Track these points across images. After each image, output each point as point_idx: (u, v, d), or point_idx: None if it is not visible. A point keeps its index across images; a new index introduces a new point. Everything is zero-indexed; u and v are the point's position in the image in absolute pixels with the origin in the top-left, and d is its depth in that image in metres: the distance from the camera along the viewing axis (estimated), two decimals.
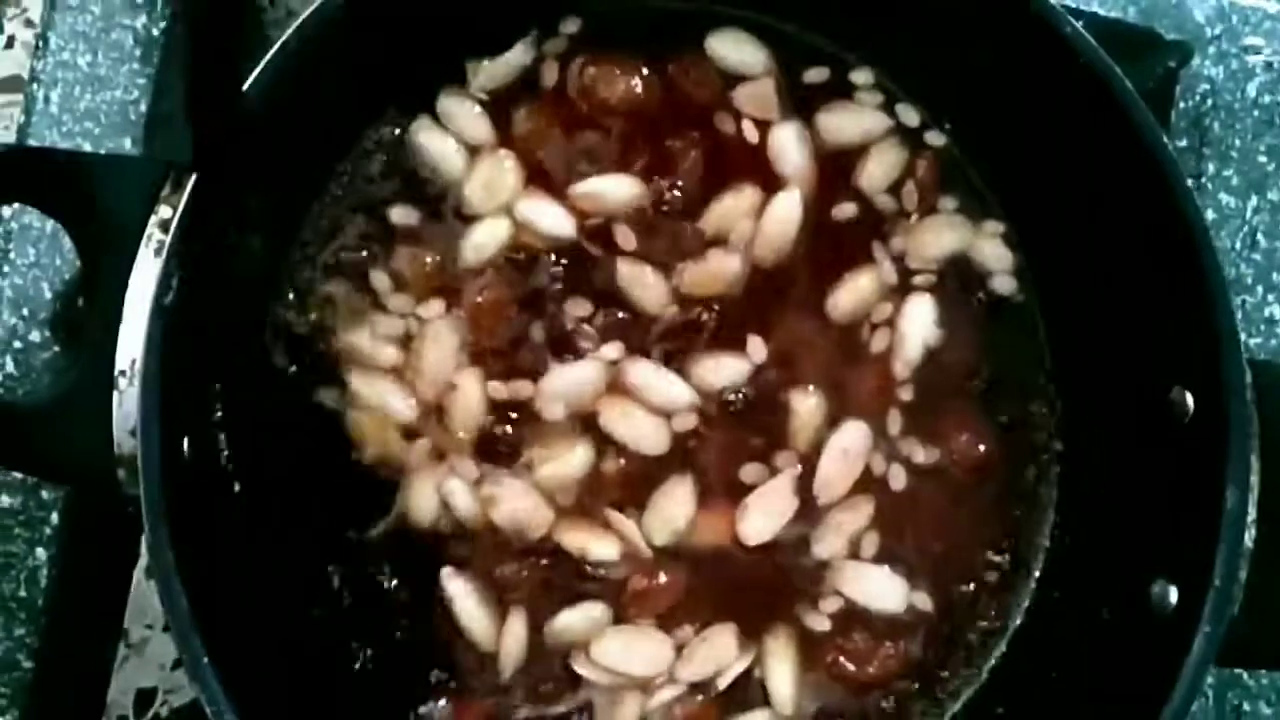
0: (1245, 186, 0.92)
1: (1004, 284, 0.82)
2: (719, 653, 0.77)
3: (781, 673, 0.77)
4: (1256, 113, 0.93)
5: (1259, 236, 0.92)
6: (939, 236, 0.81)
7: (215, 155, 0.66)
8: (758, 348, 0.79)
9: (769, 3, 0.82)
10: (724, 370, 0.79)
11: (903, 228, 0.81)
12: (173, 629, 0.63)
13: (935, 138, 0.82)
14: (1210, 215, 0.91)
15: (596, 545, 0.77)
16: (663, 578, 0.77)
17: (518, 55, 0.81)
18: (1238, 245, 0.92)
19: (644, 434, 0.78)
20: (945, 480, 0.80)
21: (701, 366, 0.79)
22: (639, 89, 0.81)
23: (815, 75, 0.83)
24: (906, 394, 0.80)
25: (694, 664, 0.77)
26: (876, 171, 0.82)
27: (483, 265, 0.79)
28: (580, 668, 0.76)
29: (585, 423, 0.78)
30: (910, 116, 0.82)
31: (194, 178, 0.66)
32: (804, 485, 0.78)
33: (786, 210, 0.80)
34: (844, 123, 0.82)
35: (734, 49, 0.82)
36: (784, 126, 0.82)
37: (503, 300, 0.79)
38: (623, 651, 0.76)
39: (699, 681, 0.77)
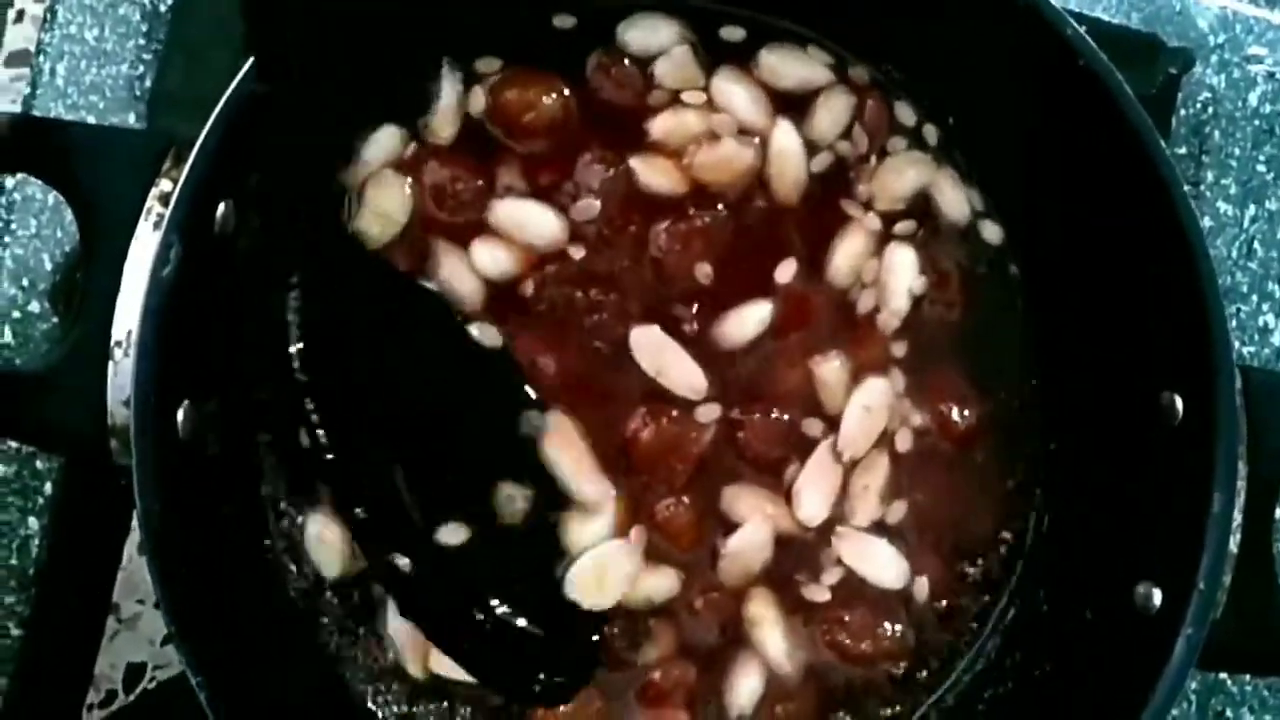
0: (1243, 195, 0.93)
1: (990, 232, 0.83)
2: None
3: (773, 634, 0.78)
4: (1257, 122, 0.94)
5: (1255, 245, 0.92)
6: (901, 175, 0.82)
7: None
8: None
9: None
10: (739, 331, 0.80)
11: (865, 173, 0.82)
12: (160, 599, 0.63)
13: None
14: (1208, 223, 0.92)
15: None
16: None
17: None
18: (1234, 254, 0.92)
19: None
20: (937, 450, 0.81)
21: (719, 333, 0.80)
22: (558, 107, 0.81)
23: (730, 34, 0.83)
24: (900, 350, 0.81)
25: None
26: (825, 120, 0.82)
27: None
28: None
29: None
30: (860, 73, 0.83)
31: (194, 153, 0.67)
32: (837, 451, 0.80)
33: (788, 142, 0.81)
34: (787, 69, 0.82)
35: (644, 33, 0.82)
36: (719, 80, 0.82)
37: None
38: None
39: None
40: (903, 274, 0.81)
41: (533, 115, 0.80)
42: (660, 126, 0.81)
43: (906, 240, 0.81)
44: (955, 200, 0.82)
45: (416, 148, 0.80)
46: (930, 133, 0.83)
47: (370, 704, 0.78)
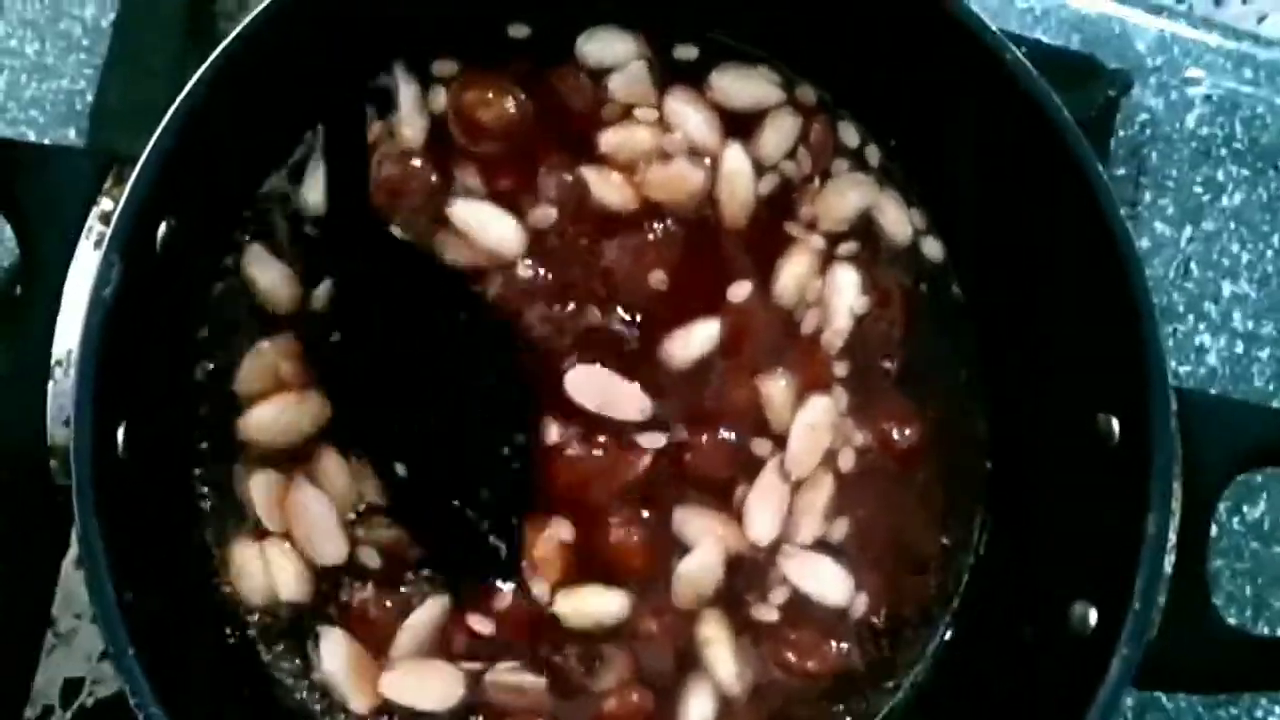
0: (1180, 216, 0.94)
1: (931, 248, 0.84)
2: None
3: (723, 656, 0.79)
4: (1194, 144, 0.95)
5: (1192, 266, 0.93)
6: (843, 197, 0.83)
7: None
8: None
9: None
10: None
11: (808, 195, 0.83)
12: (99, 620, 0.63)
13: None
14: (1145, 244, 0.93)
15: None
16: None
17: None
18: (1171, 274, 0.93)
19: None
20: (879, 468, 0.81)
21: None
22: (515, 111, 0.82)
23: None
24: (841, 370, 0.81)
25: None
26: (772, 141, 0.83)
27: None
28: None
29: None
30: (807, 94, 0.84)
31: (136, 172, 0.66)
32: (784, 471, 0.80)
33: (738, 164, 0.82)
34: (738, 88, 0.84)
35: (602, 46, 0.83)
36: (672, 100, 0.83)
37: None
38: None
39: None
40: (846, 293, 0.81)
41: (491, 117, 0.81)
42: (610, 140, 0.82)
43: (850, 261, 0.82)
44: (897, 220, 0.83)
45: (380, 131, 0.81)
46: (872, 154, 0.83)
47: None
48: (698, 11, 0.82)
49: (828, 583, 0.80)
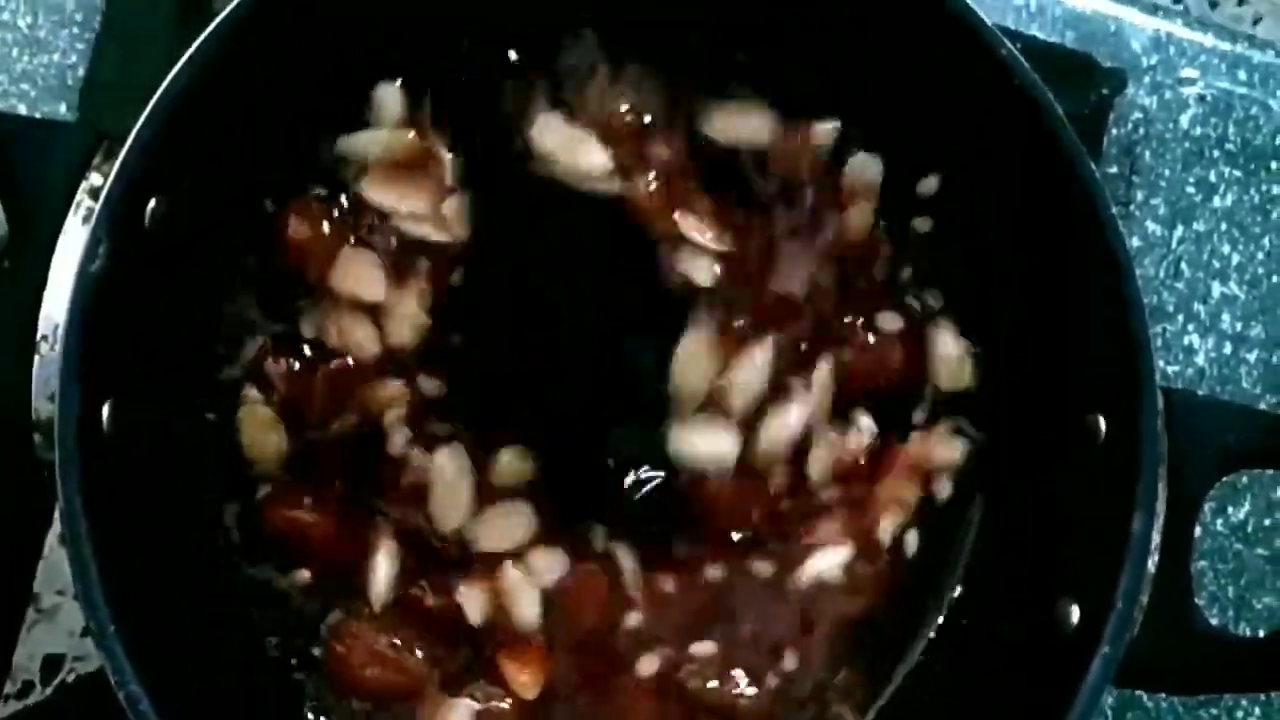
0: (1172, 216, 0.94)
1: None
2: None
3: None
4: (1187, 144, 0.94)
5: (1182, 265, 0.93)
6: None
7: None
8: None
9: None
10: None
11: None
12: (80, 597, 0.63)
13: None
14: (1136, 243, 0.93)
15: None
16: None
17: None
18: (1161, 274, 0.93)
19: None
20: None
21: None
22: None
23: None
24: None
25: None
26: None
27: None
28: None
29: None
30: None
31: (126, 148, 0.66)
32: None
33: None
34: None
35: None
36: None
37: None
38: None
39: None
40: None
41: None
42: None
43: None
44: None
45: None
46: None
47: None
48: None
49: None
